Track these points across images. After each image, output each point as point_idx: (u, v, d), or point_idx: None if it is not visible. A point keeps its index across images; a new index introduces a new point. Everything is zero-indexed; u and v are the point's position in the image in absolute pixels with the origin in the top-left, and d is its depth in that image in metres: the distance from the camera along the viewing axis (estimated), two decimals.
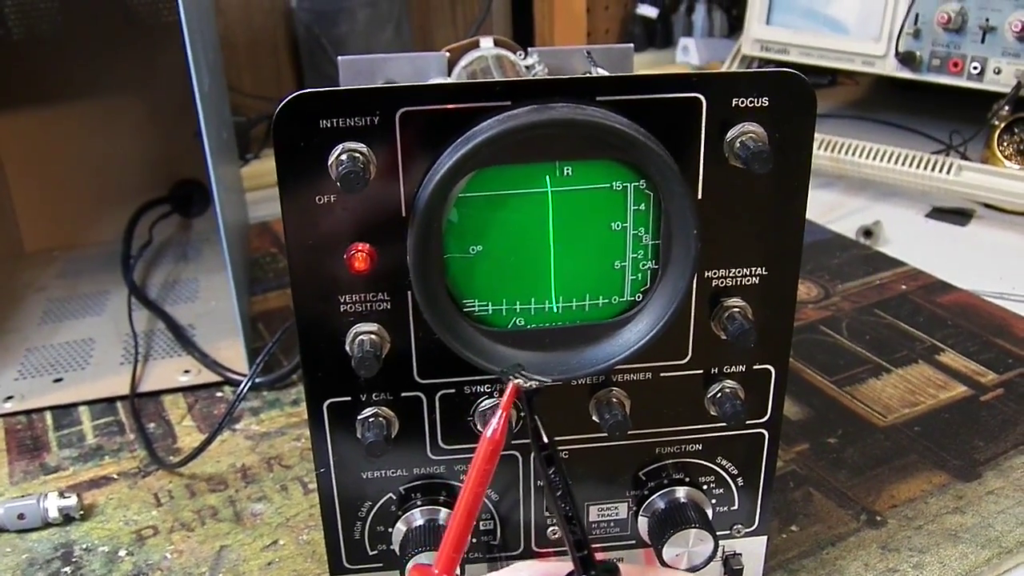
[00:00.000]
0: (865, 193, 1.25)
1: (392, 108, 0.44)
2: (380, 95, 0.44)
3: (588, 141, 0.45)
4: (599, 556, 0.37)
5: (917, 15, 1.20)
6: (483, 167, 0.45)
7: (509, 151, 0.45)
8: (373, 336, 0.48)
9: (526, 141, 0.44)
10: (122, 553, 0.67)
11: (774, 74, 0.46)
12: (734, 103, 0.46)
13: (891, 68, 1.23)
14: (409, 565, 0.51)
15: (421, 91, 0.44)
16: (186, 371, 0.87)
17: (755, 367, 0.53)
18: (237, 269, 0.84)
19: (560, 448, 0.54)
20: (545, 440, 0.32)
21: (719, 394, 0.52)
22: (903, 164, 1.17)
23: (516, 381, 0.33)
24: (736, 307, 0.50)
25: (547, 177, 0.46)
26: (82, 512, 0.70)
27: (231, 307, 0.85)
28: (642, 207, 0.48)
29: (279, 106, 0.44)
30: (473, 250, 0.47)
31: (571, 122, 0.44)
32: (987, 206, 1.19)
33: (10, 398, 0.84)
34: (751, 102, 0.46)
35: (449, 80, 0.61)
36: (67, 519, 0.69)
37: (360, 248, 0.46)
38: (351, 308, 0.48)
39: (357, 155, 0.44)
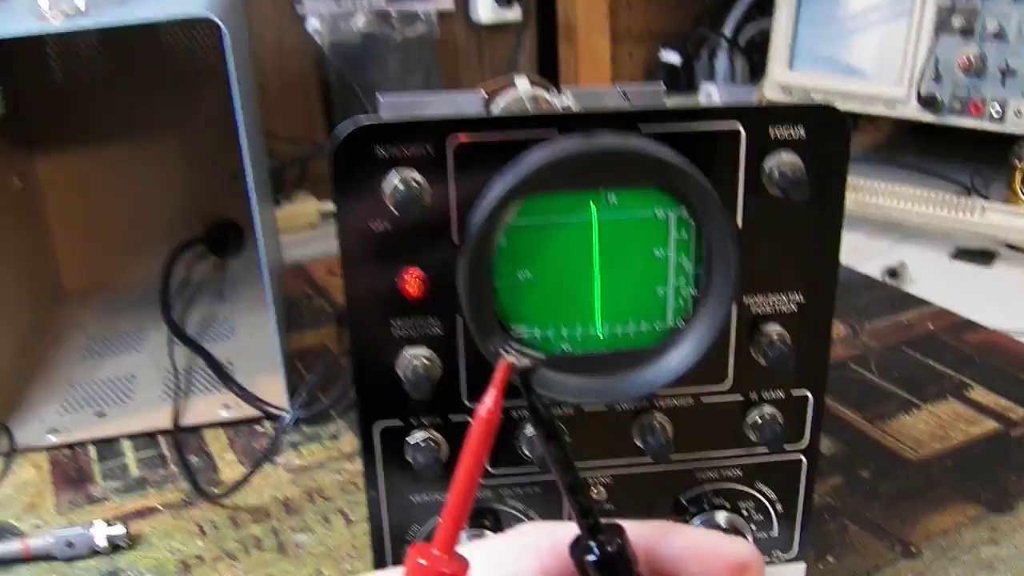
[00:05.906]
0: (889, 235, 1.26)
1: (445, 138, 0.46)
2: (434, 126, 0.46)
3: (633, 169, 0.47)
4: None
5: (937, 59, 1.22)
6: (531, 194, 0.47)
7: (557, 179, 0.46)
8: (425, 360, 0.49)
9: (573, 169, 0.46)
10: None
11: (810, 106, 0.48)
12: (772, 134, 0.48)
13: (913, 111, 1.25)
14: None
15: (473, 123, 0.46)
16: (226, 406, 0.88)
17: (793, 392, 0.54)
18: (277, 307, 0.86)
19: (603, 472, 0.55)
20: (545, 419, 0.29)
21: (759, 419, 0.53)
22: (927, 206, 1.19)
23: (508, 359, 0.28)
24: (775, 332, 0.51)
25: (593, 204, 0.48)
26: (129, 541, 0.71)
27: (272, 344, 0.87)
28: (684, 235, 0.49)
29: (337, 136, 0.46)
30: (522, 276, 0.49)
31: (619, 151, 0.46)
32: (1010, 247, 1.20)
33: (54, 431, 0.86)
34: (788, 133, 0.48)
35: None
36: (114, 548, 0.70)
37: (413, 273, 0.48)
38: (403, 332, 0.49)
39: (412, 183, 0.46)
